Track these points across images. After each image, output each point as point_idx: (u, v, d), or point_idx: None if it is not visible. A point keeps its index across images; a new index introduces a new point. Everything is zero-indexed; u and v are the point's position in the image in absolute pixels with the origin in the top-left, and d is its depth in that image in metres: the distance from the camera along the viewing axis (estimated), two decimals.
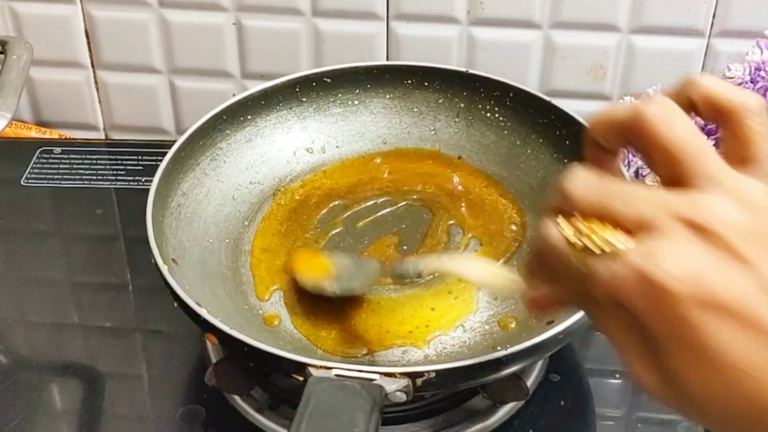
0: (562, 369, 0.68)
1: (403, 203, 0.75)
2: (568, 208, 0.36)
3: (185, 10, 0.86)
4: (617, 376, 0.69)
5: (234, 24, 0.87)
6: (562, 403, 0.66)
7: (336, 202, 0.75)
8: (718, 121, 0.38)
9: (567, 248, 0.35)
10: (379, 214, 0.74)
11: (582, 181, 0.36)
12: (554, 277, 0.37)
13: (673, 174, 0.36)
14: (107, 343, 0.71)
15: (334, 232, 0.72)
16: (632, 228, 0.34)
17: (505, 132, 0.77)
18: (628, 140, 0.38)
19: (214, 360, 0.67)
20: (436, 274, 0.65)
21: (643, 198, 0.34)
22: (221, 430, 0.64)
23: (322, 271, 0.66)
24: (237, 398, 0.64)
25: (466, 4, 0.83)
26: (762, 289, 0.32)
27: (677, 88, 0.39)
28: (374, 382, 0.52)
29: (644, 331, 0.33)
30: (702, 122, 0.69)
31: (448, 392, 0.64)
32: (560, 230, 0.35)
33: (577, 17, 0.82)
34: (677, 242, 0.33)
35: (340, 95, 0.79)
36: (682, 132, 0.36)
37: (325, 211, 0.74)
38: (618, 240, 0.34)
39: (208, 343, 0.69)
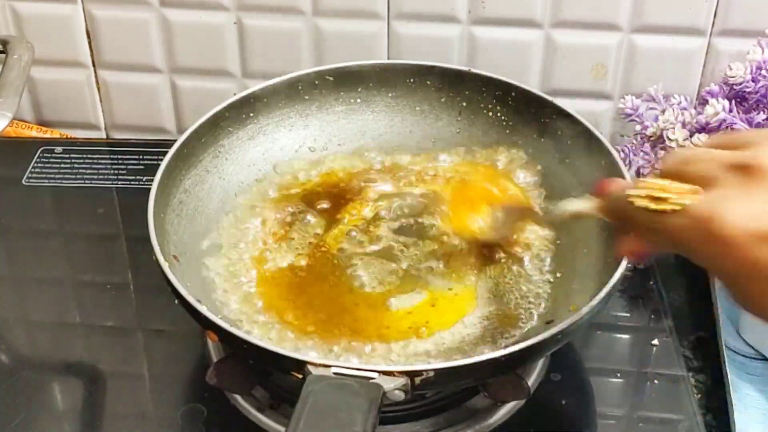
0: (563, 368, 0.67)
1: (406, 202, 0.74)
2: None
3: (186, 10, 0.86)
4: (618, 375, 0.69)
5: (235, 23, 0.87)
6: (563, 402, 0.66)
7: (337, 200, 0.75)
8: None
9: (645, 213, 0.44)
10: (382, 212, 0.74)
11: (676, 153, 0.47)
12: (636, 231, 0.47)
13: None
14: (108, 343, 0.71)
15: (337, 229, 0.72)
16: (698, 183, 0.42)
17: (507, 131, 0.77)
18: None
19: (215, 359, 0.67)
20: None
21: (703, 158, 0.44)
22: (222, 430, 0.64)
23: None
24: (238, 397, 0.64)
25: (467, 3, 0.82)
26: None
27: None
28: (372, 380, 0.52)
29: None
30: (703, 121, 0.70)
31: (448, 391, 0.64)
32: (638, 196, 0.44)
33: (578, 16, 0.82)
34: (732, 191, 0.41)
35: (342, 93, 0.79)
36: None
37: (326, 208, 0.74)
38: (684, 198, 0.42)
39: (210, 342, 0.69)
